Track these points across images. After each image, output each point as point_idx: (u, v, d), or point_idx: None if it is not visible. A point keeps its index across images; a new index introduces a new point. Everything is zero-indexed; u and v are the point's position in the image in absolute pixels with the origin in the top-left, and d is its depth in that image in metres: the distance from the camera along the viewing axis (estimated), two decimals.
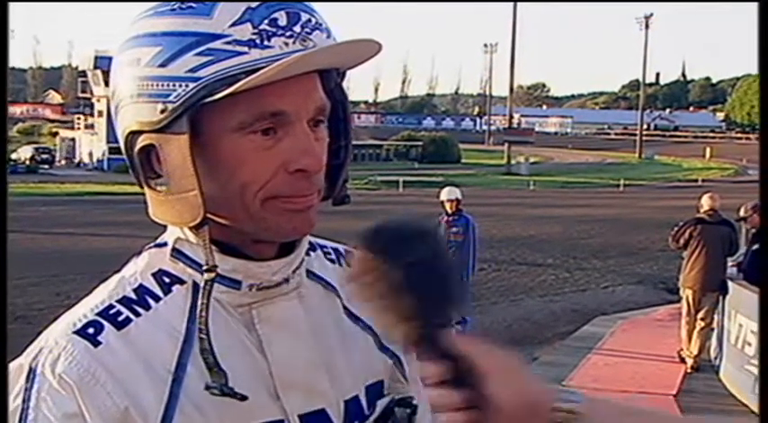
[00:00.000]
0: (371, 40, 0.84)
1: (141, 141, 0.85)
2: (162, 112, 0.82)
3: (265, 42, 0.80)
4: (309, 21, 0.83)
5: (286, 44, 0.81)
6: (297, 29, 0.82)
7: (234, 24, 0.80)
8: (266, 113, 0.82)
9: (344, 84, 0.93)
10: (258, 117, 0.82)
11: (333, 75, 0.88)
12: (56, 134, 58.61)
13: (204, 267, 0.86)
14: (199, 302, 0.85)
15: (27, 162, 41.98)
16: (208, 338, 0.84)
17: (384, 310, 0.79)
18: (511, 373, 0.79)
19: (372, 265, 0.79)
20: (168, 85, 0.81)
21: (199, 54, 0.80)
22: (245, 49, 0.80)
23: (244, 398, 0.83)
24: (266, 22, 0.81)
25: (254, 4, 0.81)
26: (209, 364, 0.83)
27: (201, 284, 0.86)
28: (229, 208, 0.85)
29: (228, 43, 0.80)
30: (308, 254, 0.97)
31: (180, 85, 0.81)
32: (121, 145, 0.88)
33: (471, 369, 0.78)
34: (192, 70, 0.80)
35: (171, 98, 0.81)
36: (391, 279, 0.78)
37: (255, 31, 0.80)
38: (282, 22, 0.81)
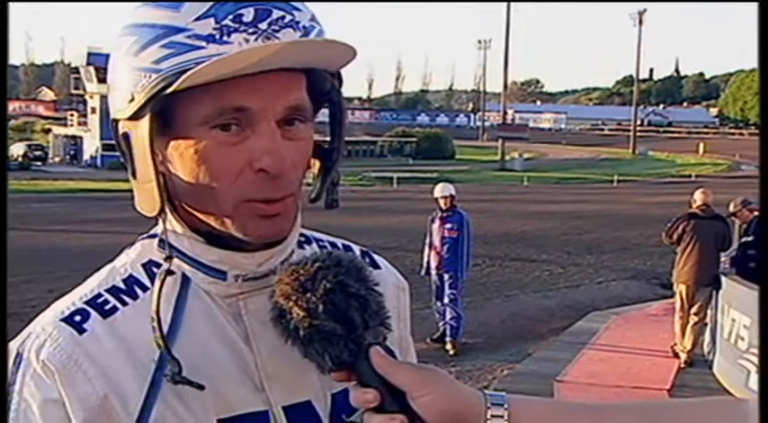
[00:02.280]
0: (336, 42, 0.82)
1: (120, 129, 0.87)
2: (130, 101, 0.83)
3: (224, 38, 0.79)
4: (282, 18, 0.81)
5: (246, 41, 0.79)
6: (263, 26, 0.80)
7: (198, 19, 0.80)
8: (228, 108, 0.81)
9: None
10: (221, 112, 0.82)
11: (323, 76, 0.87)
12: (48, 131, 58.35)
13: (164, 256, 0.88)
14: (155, 288, 0.85)
15: (20, 159, 41.73)
16: (159, 326, 0.83)
17: (309, 335, 0.81)
18: (433, 387, 0.80)
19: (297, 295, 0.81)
20: (137, 76, 0.83)
21: (163, 46, 0.81)
22: (203, 43, 0.80)
23: (200, 387, 0.83)
24: (230, 17, 0.80)
25: (223, 1, 0.81)
26: (161, 350, 0.83)
27: (159, 274, 0.86)
28: (203, 202, 0.86)
29: (189, 37, 0.80)
30: (302, 247, 0.98)
31: (144, 76, 0.82)
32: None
33: (399, 389, 0.80)
34: (155, 62, 0.81)
35: (137, 88, 0.83)
36: (313, 305, 0.80)
37: (217, 26, 0.80)
38: (248, 18, 0.80)
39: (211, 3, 0.80)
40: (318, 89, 0.88)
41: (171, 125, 0.83)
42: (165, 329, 0.85)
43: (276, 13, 0.81)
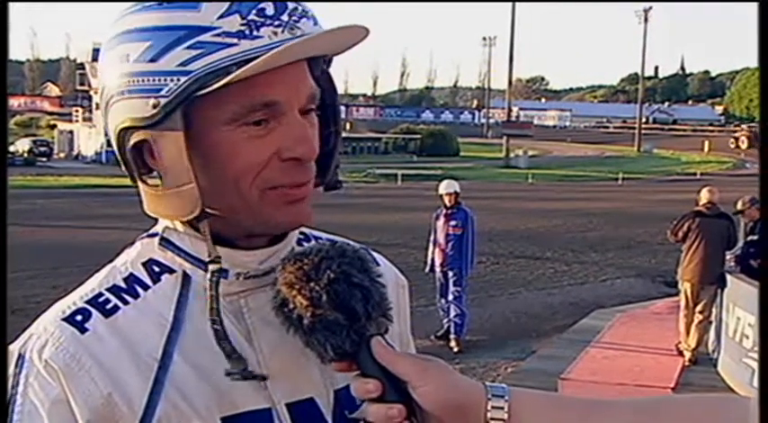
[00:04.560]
0: (359, 26, 0.84)
1: (135, 137, 0.85)
2: (154, 107, 0.82)
3: (254, 32, 0.80)
4: (296, 9, 0.83)
5: (275, 33, 0.81)
6: (284, 18, 0.82)
7: (222, 16, 0.80)
8: (258, 104, 0.82)
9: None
10: (250, 108, 0.82)
11: (319, 62, 0.89)
12: (54, 127, 58.42)
13: (208, 259, 0.87)
14: (208, 294, 0.86)
15: (25, 155, 41.84)
16: (222, 328, 0.85)
17: (312, 325, 0.82)
18: (434, 377, 0.81)
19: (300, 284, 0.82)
20: (159, 80, 0.81)
21: (189, 47, 0.80)
22: (235, 40, 0.80)
23: (264, 378, 0.86)
24: (254, 12, 0.81)
25: None
26: (227, 351, 0.85)
27: (208, 276, 0.87)
28: (225, 200, 0.86)
29: (218, 35, 0.80)
30: (301, 244, 0.98)
31: (171, 80, 0.81)
32: (113, 141, 0.88)
33: (400, 379, 0.81)
34: (182, 64, 0.80)
35: (163, 93, 0.81)
36: (317, 295, 0.81)
37: (244, 21, 0.80)
38: (270, 11, 0.81)
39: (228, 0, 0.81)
40: (314, 73, 0.88)
41: (191, 126, 0.83)
42: (167, 329, 0.86)
43: (290, 5, 0.83)
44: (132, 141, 0.85)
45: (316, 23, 0.85)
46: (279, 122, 0.84)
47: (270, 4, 0.81)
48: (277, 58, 0.78)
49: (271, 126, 0.84)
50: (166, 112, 0.81)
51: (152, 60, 0.81)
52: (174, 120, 0.81)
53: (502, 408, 0.80)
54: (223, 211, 0.87)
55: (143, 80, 0.82)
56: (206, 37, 0.80)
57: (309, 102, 0.86)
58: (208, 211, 0.86)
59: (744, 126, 78.31)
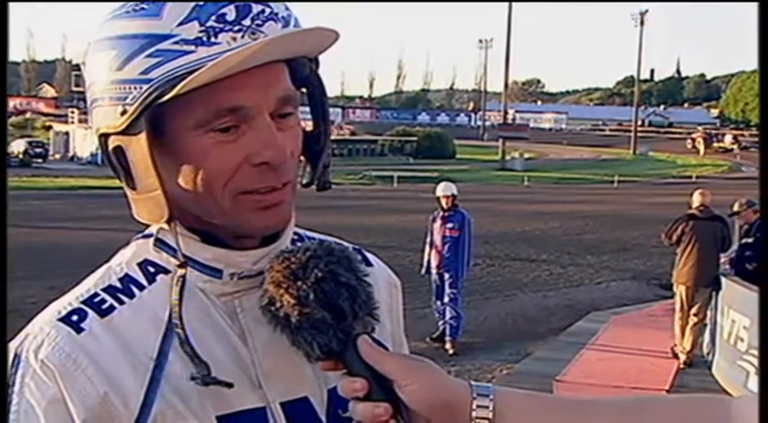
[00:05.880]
0: (324, 29, 0.84)
1: (111, 143, 0.86)
2: (122, 114, 0.83)
3: (212, 39, 0.80)
4: (262, 12, 0.82)
5: (234, 39, 0.80)
6: (246, 22, 0.81)
7: (182, 23, 0.80)
8: (223, 110, 0.82)
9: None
10: (216, 114, 0.82)
11: (303, 62, 0.88)
12: (49, 128, 58.25)
13: (177, 263, 0.88)
14: (172, 297, 0.86)
15: (20, 156, 41.67)
16: (183, 332, 0.85)
17: (299, 324, 0.82)
18: (420, 376, 0.81)
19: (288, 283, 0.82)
20: (125, 88, 0.82)
21: (149, 56, 0.81)
22: (192, 47, 0.80)
23: (229, 385, 0.85)
24: (213, 18, 0.80)
25: (202, 2, 0.81)
26: (189, 355, 0.84)
27: (174, 280, 0.87)
28: (202, 205, 0.86)
29: (176, 43, 0.80)
30: (294, 244, 0.98)
31: (134, 88, 0.82)
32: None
33: (387, 378, 0.81)
34: (144, 72, 0.81)
35: (128, 100, 0.82)
36: (304, 293, 0.81)
37: (202, 28, 0.80)
38: (231, 16, 0.81)
39: (191, 6, 0.80)
40: (299, 75, 0.88)
41: (163, 133, 0.84)
42: (163, 329, 0.86)
43: (255, 8, 0.82)
44: (110, 147, 0.86)
45: (287, 25, 0.84)
46: (249, 127, 0.83)
47: (232, 8, 0.81)
48: (222, 66, 0.77)
49: (241, 131, 0.83)
50: (132, 120, 0.82)
51: (118, 69, 0.82)
52: (140, 127, 0.82)
53: (487, 407, 0.80)
54: (203, 215, 0.88)
55: (113, 88, 0.84)
56: (165, 45, 0.80)
57: (282, 105, 0.85)
58: (192, 212, 0.87)
59: (700, 128, 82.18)
